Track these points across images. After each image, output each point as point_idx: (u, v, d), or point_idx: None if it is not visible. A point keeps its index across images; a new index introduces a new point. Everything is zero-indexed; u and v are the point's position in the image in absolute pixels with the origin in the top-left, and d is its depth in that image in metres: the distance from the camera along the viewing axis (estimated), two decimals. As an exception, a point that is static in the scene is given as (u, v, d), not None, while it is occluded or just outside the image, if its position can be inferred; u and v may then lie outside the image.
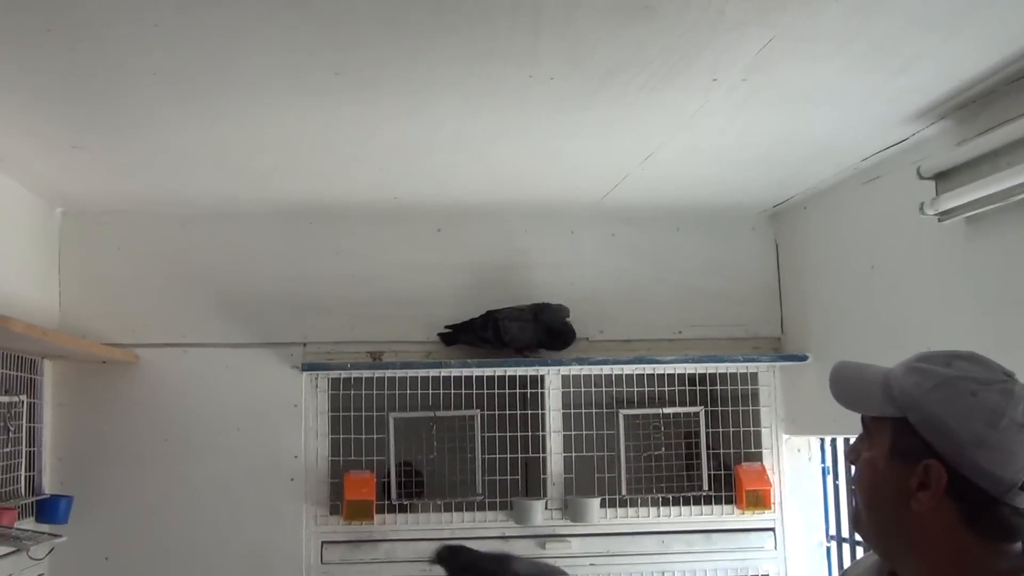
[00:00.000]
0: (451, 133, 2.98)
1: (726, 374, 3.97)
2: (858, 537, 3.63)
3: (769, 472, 3.90)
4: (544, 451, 3.86)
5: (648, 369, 3.90)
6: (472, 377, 3.84)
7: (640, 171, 3.41)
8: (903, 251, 3.15)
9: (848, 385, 1.51)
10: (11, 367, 3.39)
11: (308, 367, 3.77)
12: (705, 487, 3.90)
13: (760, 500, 3.85)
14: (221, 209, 3.83)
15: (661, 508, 3.87)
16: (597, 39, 2.25)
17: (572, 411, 3.89)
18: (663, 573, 3.86)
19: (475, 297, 3.95)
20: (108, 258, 3.84)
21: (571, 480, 3.86)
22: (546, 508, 3.81)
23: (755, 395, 3.98)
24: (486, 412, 3.87)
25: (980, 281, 2.75)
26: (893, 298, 3.21)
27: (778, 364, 3.94)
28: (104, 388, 3.75)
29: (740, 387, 3.98)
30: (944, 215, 2.79)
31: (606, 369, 3.89)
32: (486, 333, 3.80)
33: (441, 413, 3.86)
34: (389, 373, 3.81)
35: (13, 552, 3.23)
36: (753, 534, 3.91)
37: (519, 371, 3.87)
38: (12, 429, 3.32)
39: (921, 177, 2.83)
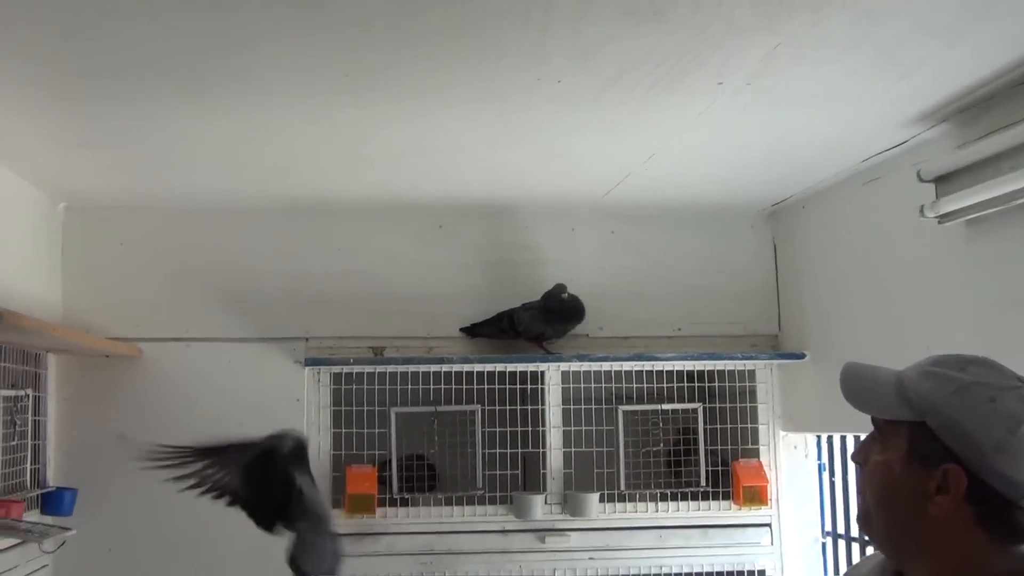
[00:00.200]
0: (456, 134, 3.00)
1: (724, 371, 4.01)
2: (854, 534, 3.70)
3: (766, 468, 3.95)
4: (544, 446, 3.90)
5: (647, 366, 3.94)
6: (473, 372, 3.87)
7: (642, 170, 3.44)
8: (902, 252, 3.18)
9: (861, 386, 1.54)
10: (16, 361, 3.41)
11: (311, 362, 3.80)
12: (703, 483, 3.95)
13: (757, 496, 3.89)
14: (224, 205, 3.85)
15: (659, 503, 3.91)
16: (605, 42, 2.27)
17: (572, 407, 3.93)
18: (661, 567, 3.90)
19: (476, 293, 3.99)
20: (111, 253, 3.86)
21: (570, 475, 3.90)
22: (546, 503, 3.85)
23: (753, 392, 4.02)
24: (487, 407, 3.90)
25: (980, 283, 2.78)
26: (892, 298, 3.25)
27: (776, 362, 3.98)
28: (108, 382, 3.77)
29: (738, 384, 4.02)
30: (944, 218, 2.82)
31: (606, 365, 3.92)
32: (503, 324, 3.86)
33: (442, 408, 3.89)
34: (391, 368, 3.84)
35: (19, 544, 3.26)
36: (750, 530, 3.95)
37: (519, 367, 3.90)
38: (18, 423, 3.34)
39: (922, 180, 2.85)
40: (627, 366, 3.94)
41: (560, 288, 3.84)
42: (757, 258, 4.16)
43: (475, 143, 3.11)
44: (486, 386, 3.89)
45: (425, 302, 3.97)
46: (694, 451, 3.99)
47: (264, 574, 3.74)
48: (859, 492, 1.65)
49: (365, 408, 3.85)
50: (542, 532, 3.86)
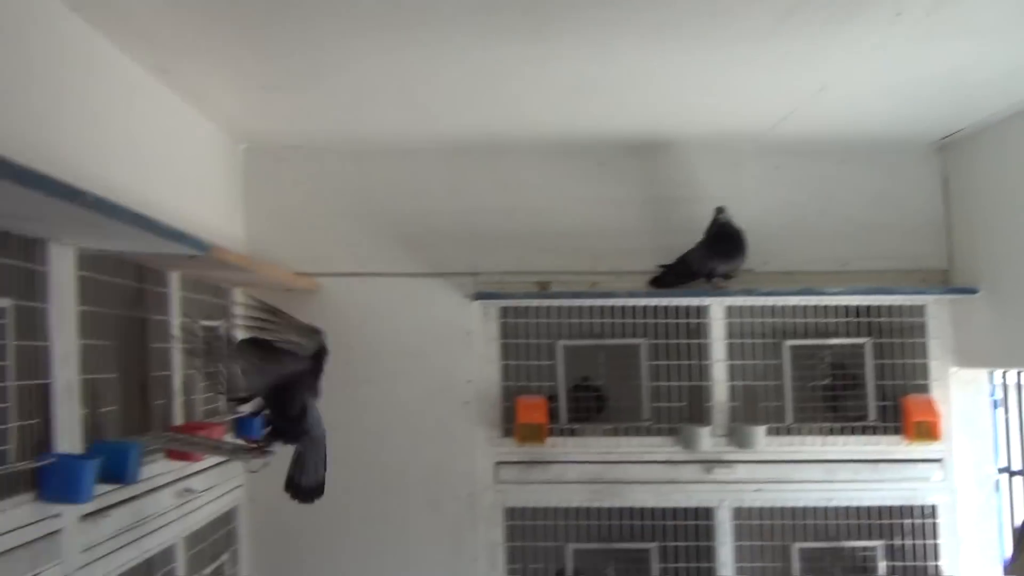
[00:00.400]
0: (627, 68, 3.04)
1: (892, 307, 3.96)
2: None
3: (937, 404, 3.89)
4: (709, 379, 3.92)
5: (813, 300, 3.92)
6: (638, 307, 3.92)
7: (811, 104, 3.42)
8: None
9: None
10: (206, 294, 3.61)
11: (480, 296, 3.91)
12: (871, 417, 3.92)
13: (928, 431, 3.85)
14: (397, 145, 3.99)
15: (827, 437, 3.91)
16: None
17: (737, 341, 3.94)
18: (829, 500, 3.91)
19: (639, 229, 4.05)
20: (288, 192, 4.04)
21: (736, 408, 3.92)
22: (712, 435, 3.88)
23: (922, 327, 3.96)
24: (652, 341, 3.95)
25: None
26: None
27: (947, 297, 3.91)
28: (289, 315, 3.96)
29: (905, 319, 3.97)
30: None
31: (770, 300, 3.92)
32: (679, 268, 3.91)
33: (608, 341, 3.96)
34: (557, 302, 3.92)
35: (216, 465, 3.48)
36: (921, 465, 3.91)
37: (684, 301, 3.93)
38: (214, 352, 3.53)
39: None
40: (793, 301, 3.93)
41: (718, 210, 3.83)
42: (925, 192, 4.08)
43: (645, 77, 3.13)
44: (651, 320, 3.94)
45: (589, 237, 4.04)
46: (861, 386, 3.96)
47: (444, 496, 3.96)
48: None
49: (532, 341, 3.95)
50: (709, 463, 3.90)
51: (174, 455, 2.98)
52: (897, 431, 3.91)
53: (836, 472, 3.90)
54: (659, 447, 3.91)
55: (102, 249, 2.50)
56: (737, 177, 4.07)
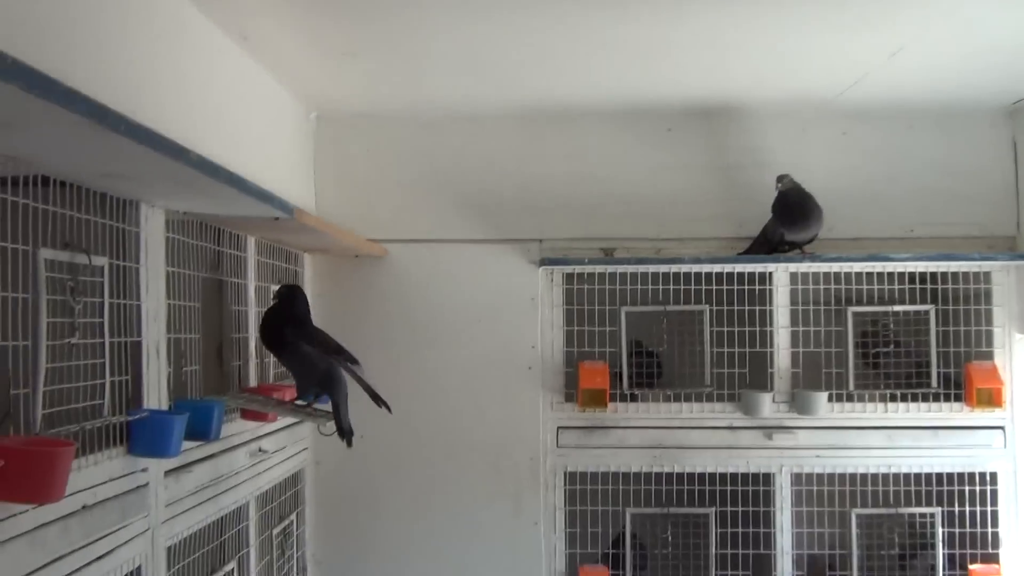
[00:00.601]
0: (698, 31, 3.04)
1: (958, 273, 3.95)
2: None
3: (1001, 371, 3.88)
4: (772, 346, 3.94)
5: (879, 267, 3.92)
6: (702, 273, 3.94)
7: (882, 68, 3.40)
8: None
9: None
10: (279, 259, 3.68)
11: (545, 262, 3.95)
12: (934, 384, 3.92)
13: (991, 398, 3.84)
14: (464, 112, 4.03)
15: (888, 404, 3.92)
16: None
17: (800, 308, 3.95)
18: (889, 467, 3.93)
19: (705, 196, 4.07)
20: (358, 160, 4.10)
21: (798, 374, 3.94)
22: (773, 401, 3.91)
23: (988, 294, 3.95)
24: (715, 307, 3.97)
25: None
26: None
27: (1015, 263, 3.89)
28: (357, 280, 4.06)
29: (972, 286, 3.96)
30: None
31: (835, 266, 3.92)
32: (762, 239, 3.92)
33: (671, 307, 3.99)
34: (621, 268, 3.95)
35: (285, 427, 3.56)
36: (982, 432, 3.91)
37: (748, 268, 3.94)
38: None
39: None
40: (858, 267, 3.92)
41: (778, 179, 3.79)
42: (995, 158, 4.05)
43: (715, 40, 3.14)
44: (715, 287, 3.96)
45: (654, 204, 4.07)
46: (926, 352, 3.96)
47: (506, 460, 4.02)
48: None
49: (596, 307, 3.98)
50: (769, 429, 3.93)
51: (248, 415, 3.06)
52: (959, 398, 3.90)
53: (897, 439, 3.91)
54: (720, 413, 3.95)
55: (189, 211, 2.57)
56: (803, 143, 4.06)
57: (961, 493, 3.92)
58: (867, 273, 3.95)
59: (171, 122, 2.57)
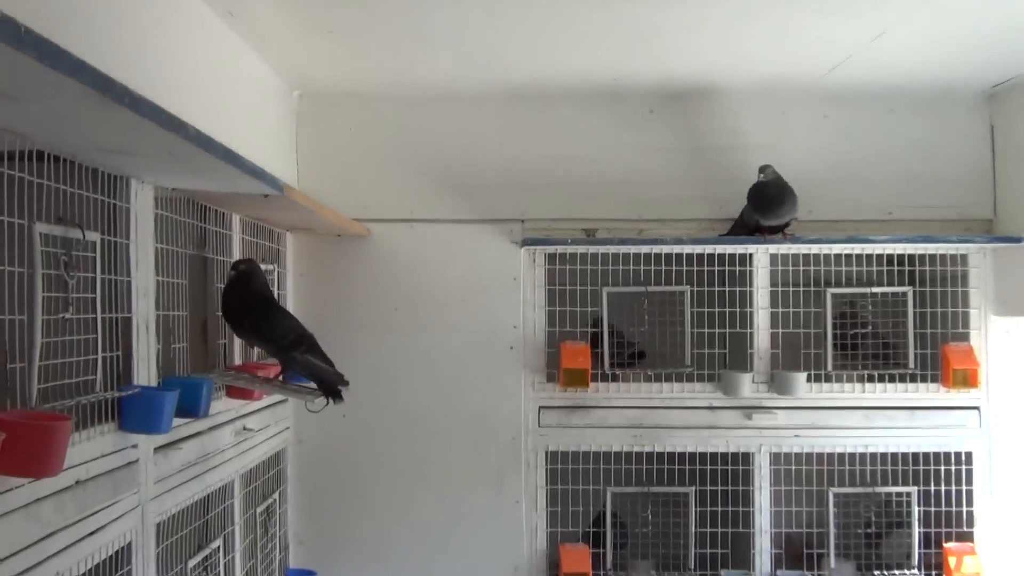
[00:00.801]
0: (684, 12, 3.06)
1: (935, 255, 4.00)
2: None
3: (977, 352, 3.94)
4: (751, 327, 3.98)
5: (858, 249, 3.96)
6: (683, 254, 3.97)
7: (865, 52, 3.44)
8: None
9: None
10: (263, 238, 3.67)
11: (527, 242, 3.96)
12: (911, 365, 3.97)
13: (967, 379, 3.90)
14: (447, 92, 4.03)
15: (866, 384, 3.97)
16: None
17: (780, 289, 3.99)
18: (866, 447, 3.98)
19: (686, 178, 4.09)
20: (341, 139, 4.09)
21: (777, 355, 3.98)
22: (753, 381, 3.95)
23: (964, 276, 4.01)
24: (696, 288, 4.00)
25: None
26: None
27: (991, 246, 3.95)
28: (339, 260, 4.05)
29: (949, 268, 4.01)
30: None
31: (815, 248, 3.96)
32: (740, 222, 3.96)
33: (652, 288, 4.01)
34: (603, 249, 3.97)
35: (268, 407, 3.56)
36: (958, 412, 3.97)
37: (728, 249, 3.98)
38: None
39: None
40: (837, 249, 3.97)
41: (761, 168, 3.81)
42: (972, 141, 4.11)
43: (703, 21, 3.16)
44: (695, 268, 3.99)
45: (636, 186, 4.09)
46: (903, 334, 4.02)
47: (488, 440, 4.04)
48: None
49: (578, 287, 4.00)
50: (749, 409, 3.97)
51: (234, 393, 3.05)
52: (936, 379, 3.96)
53: (874, 419, 3.97)
54: (700, 393, 3.98)
55: (178, 188, 2.56)
56: (785, 126, 4.10)
57: (937, 472, 3.99)
58: (846, 255, 4.00)
59: (156, 97, 2.54)
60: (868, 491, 4.06)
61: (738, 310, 4.01)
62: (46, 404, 1.93)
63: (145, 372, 2.43)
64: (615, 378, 4.00)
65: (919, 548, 3.98)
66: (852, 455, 4.03)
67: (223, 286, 2.96)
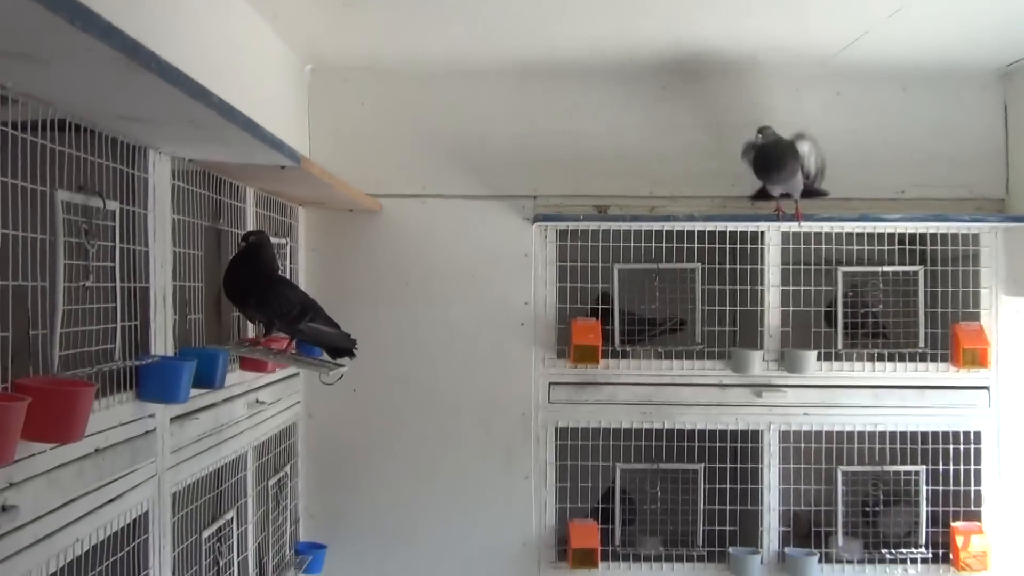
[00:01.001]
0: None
1: (946, 234, 3.99)
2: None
3: (987, 332, 3.94)
4: (762, 305, 3.98)
5: (870, 227, 3.96)
6: (695, 231, 3.97)
7: (882, 28, 3.42)
8: None
9: None
10: (275, 211, 3.67)
11: (539, 219, 3.96)
12: (922, 344, 3.98)
13: (977, 358, 3.90)
14: (459, 67, 4.01)
15: (876, 363, 3.97)
16: None
17: (791, 267, 3.99)
18: (875, 425, 3.99)
19: (698, 154, 4.08)
20: (353, 114, 4.09)
21: (787, 333, 3.98)
22: (763, 359, 3.95)
23: (976, 255, 4.00)
24: (707, 265, 4.00)
25: None
26: None
27: (1003, 225, 3.94)
28: (351, 235, 4.06)
29: (960, 247, 4.01)
30: None
31: (826, 227, 3.95)
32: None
33: (664, 265, 4.01)
34: (615, 226, 3.97)
35: (280, 380, 3.57)
36: (967, 391, 3.97)
37: (740, 226, 3.97)
38: (281, 268, 3.61)
39: None
40: (849, 227, 3.96)
41: (760, 129, 3.72)
42: (986, 120, 4.09)
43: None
44: (707, 245, 3.99)
45: (648, 162, 4.08)
46: (913, 313, 4.02)
47: (498, 415, 4.05)
48: None
49: (589, 264, 4.00)
50: (759, 387, 3.98)
51: (247, 365, 3.06)
52: (946, 358, 3.96)
53: (883, 398, 3.97)
54: (710, 370, 3.99)
55: (195, 159, 2.56)
56: (798, 103, 4.08)
57: (945, 452, 3.99)
58: (858, 233, 3.99)
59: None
60: (877, 470, 4.07)
61: (749, 288, 4.01)
62: (67, 371, 1.94)
63: (162, 342, 2.44)
64: (625, 355, 4.00)
65: (927, 527, 3.99)
66: (861, 434, 4.04)
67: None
